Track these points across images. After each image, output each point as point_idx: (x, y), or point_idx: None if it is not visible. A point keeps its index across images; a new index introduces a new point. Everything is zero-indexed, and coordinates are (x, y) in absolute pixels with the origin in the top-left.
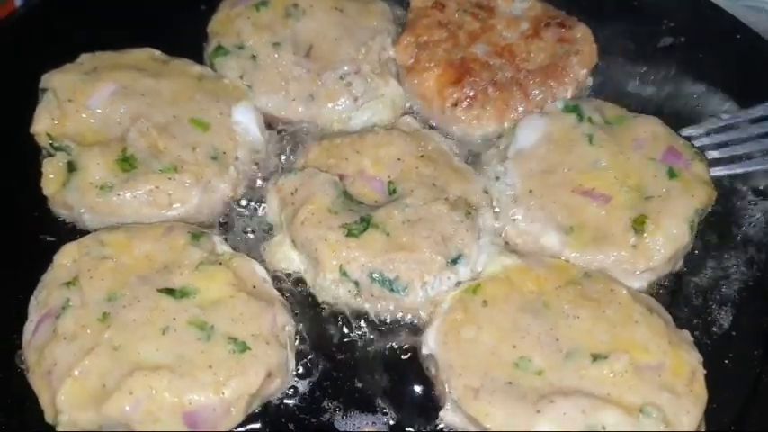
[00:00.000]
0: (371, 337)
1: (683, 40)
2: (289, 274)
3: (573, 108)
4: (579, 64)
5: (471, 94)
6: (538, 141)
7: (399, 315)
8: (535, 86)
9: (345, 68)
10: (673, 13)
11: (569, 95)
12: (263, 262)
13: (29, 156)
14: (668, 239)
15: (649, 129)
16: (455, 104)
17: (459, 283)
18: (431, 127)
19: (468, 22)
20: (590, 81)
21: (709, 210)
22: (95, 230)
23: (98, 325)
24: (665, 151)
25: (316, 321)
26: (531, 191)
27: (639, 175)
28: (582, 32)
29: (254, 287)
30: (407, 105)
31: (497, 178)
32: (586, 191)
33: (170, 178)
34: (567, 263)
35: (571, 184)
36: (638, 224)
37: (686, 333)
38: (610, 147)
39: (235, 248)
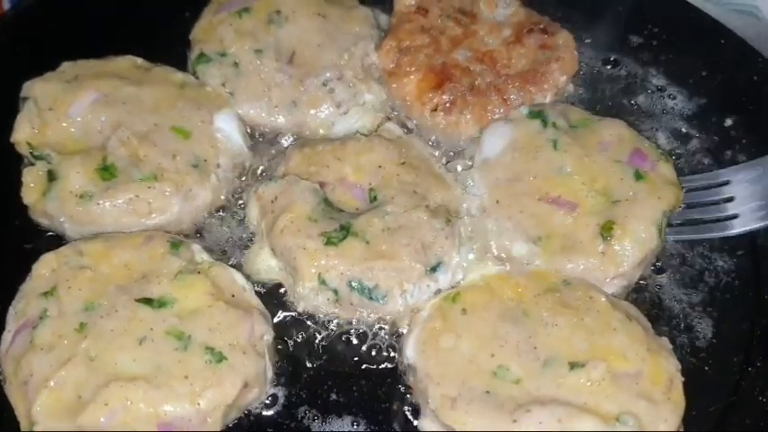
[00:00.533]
0: (350, 345)
1: (667, 45)
2: (267, 281)
3: (537, 114)
4: (560, 70)
5: (450, 99)
6: (503, 149)
7: (379, 324)
8: (514, 91)
9: (328, 74)
10: (657, 17)
11: (548, 101)
12: (242, 269)
13: (9, 165)
14: (636, 244)
15: (615, 131)
16: (434, 109)
17: (438, 290)
18: (410, 130)
19: (451, 28)
20: (571, 88)
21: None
22: (75, 239)
23: (75, 335)
24: (631, 153)
25: (294, 330)
26: (497, 201)
27: (606, 179)
28: (564, 39)
29: (233, 296)
30: (389, 108)
31: (465, 188)
32: (553, 198)
33: (150, 187)
34: (547, 273)
35: (537, 192)
36: (606, 230)
37: (665, 340)
38: (575, 151)
39: (216, 256)
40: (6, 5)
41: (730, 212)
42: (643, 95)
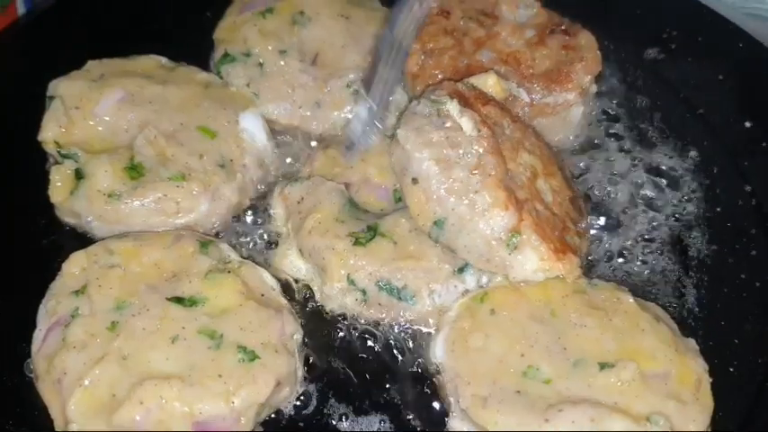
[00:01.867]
0: (379, 345)
1: (684, 48)
2: (296, 281)
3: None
4: (583, 70)
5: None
6: None
7: (407, 323)
8: (538, 91)
9: (352, 76)
10: (674, 21)
11: (572, 99)
12: (270, 269)
13: (36, 163)
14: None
15: None
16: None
17: (466, 291)
18: None
19: (474, 30)
20: (594, 88)
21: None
22: (103, 238)
23: (107, 334)
24: None
25: (323, 329)
26: None
27: None
28: (586, 39)
29: (263, 295)
30: None
31: None
32: None
33: (178, 186)
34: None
35: None
36: None
37: (692, 342)
38: None
39: (243, 256)
40: (21, 10)
41: None
42: (662, 97)
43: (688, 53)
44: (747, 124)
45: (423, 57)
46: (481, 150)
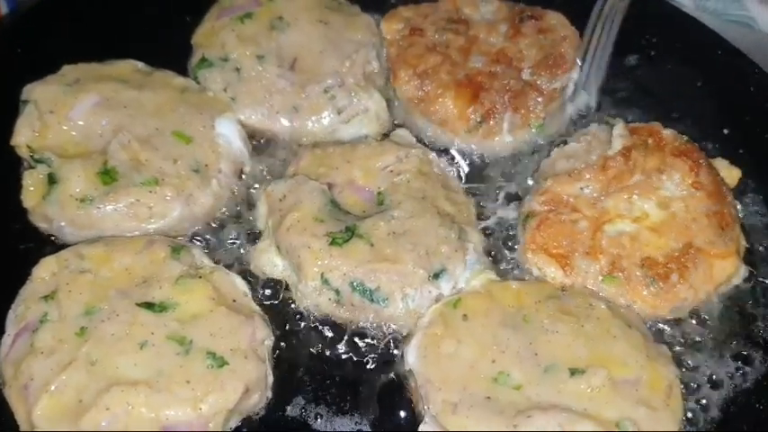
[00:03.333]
0: (352, 349)
1: (663, 54)
2: (270, 283)
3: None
4: (570, 47)
5: (491, 106)
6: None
7: (380, 327)
8: (543, 79)
9: (329, 81)
10: (654, 27)
11: (574, 77)
12: (243, 272)
13: (8, 168)
14: None
15: None
16: (481, 121)
17: (440, 296)
18: (445, 151)
19: (453, 39)
20: (578, 61)
21: None
22: (75, 243)
23: (76, 339)
24: None
25: (295, 333)
26: None
27: None
28: (555, 18)
29: (234, 301)
30: (431, 136)
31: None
32: None
33: (151, 191)
34: (546, 281)
35: None
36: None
37: (664, 347)
38: None
39: (217, 259)
40: (4, 10)
41: None
42: (640, 105)
43: (667, 60)
44: (725, 131)
45: (419, 80)
46: None
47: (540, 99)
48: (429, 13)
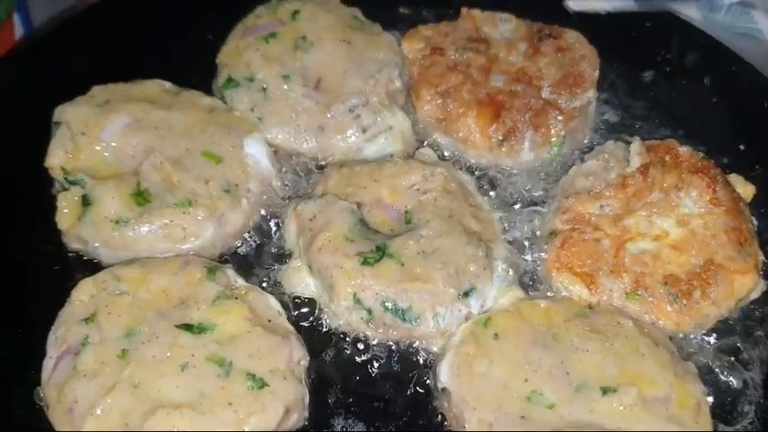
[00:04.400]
0: (384, 367)
1: (678, 71)
2: (301, 302)
3: None
4: (589, 66)
5: (513, 125)
6: None
7: (412, 345)
8: (564, 99)
9: (354, 101)
10: (669, 43)
11: (593, 96)
12: (275, 291)
13: (42, 189)
14: None
15: None
16: (503, 139)
17: (469, 314)
18: (468, 169)
19: (473, 58)
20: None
21: None
22: (110, 264)
23: (118, 362)
24: None
25: (328, 352)
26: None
27: None
28: (574, 37)
29: (270, 321)
30: (451, 153)
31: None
32: None
33: (184, 212)
34: (573, 299)
35: None
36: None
37: (691, 365)
38: None
39: (248, 278)
40: (19, 32)
41: None
42: (657, 121)
43: (682, 76)
44: (741, 147)
45: (440, 100)
46: None
47: (560, 118)
48: (449, 32)
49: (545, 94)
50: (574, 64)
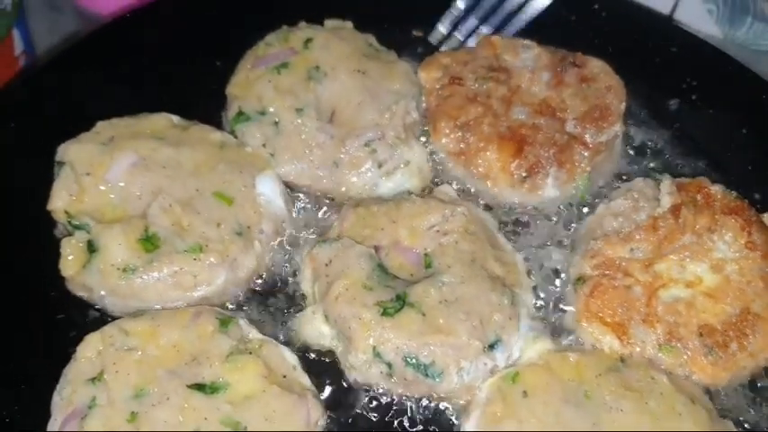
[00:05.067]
0: (406, 422)
1: (705, 99)
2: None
3: None
4: (616, 98)
5: (536, 160)
6: None
7: (434, 401)
8: (589, 133)
9: (370, 134)
10: (694, 69)
11: (619, 130)
12: (288, 341)
13: (44, 230)
14: None
15: None
16: (525, 176)
17: (495, 367)
18: (488, 207)
19: (494, 89)
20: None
21: None
22: (116, 313)
23: (127, 426)
24: None
25: (346, 405)
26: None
27: None
28: (598, 67)
29: (285, 377)
30: (471, 189)
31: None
32: None
33: (195, 258)
34: (604, 352)
35: None
36: None
37: (729, 423)
38: None
39: (259, 326)
40: (18, 48)
41: None
42: (685, 152)
43: (709, 104)
44: None
45: (460, 133)
46: None
47: (585, 153)
48: (468, 60)
49: (569, 127)
50: (599, 96)
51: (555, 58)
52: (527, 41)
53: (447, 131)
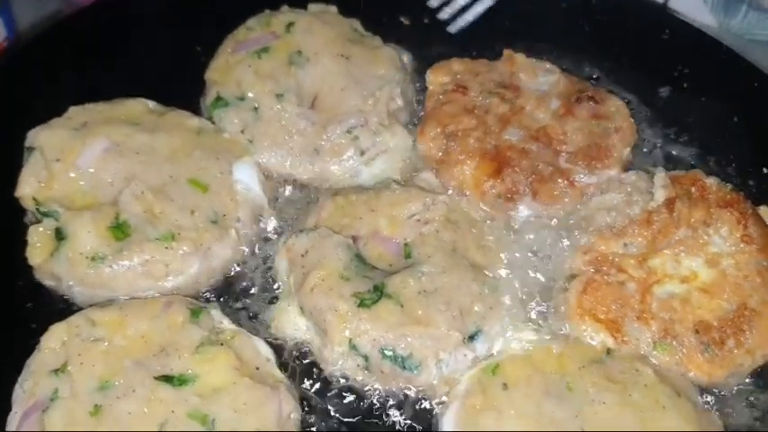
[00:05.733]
0: (383, 415)
1: (696, 88)
2: (295, 344)
3: None
4: (621, 142)
5: (512, 187)
6: None
7: (412, 393)
8: (579, 171)
9: (352, 121)
10: (686, 57)
11: (614, 176)
12: (263, 333)
13: (12, 218)
14: None
15: None
16: (496, 198)
17: (476, 359)
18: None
19: (495, 105)
20: (630, 156)
21: None
22: (85, 302)
23: (89, 420)
24: None
25: (323, 398)
26: None
27: None
28: (616, 106)
29: (257, 369)
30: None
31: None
32: None
33: (167, 247)
34: (588, 343)
35: None
36: None
37: (715, 417)
38: None
39: (234, 317)
40: (2, 35)
41: None
42: (677, 142)
43: (701, 92)
44: (765, 170)
45: (445, 141)
46: None
47: (568, 191)
48: (481, 72)
49: (561, 161)
50: (604, 135)
51: (572, 88)
52: (551, 66)
53: (432, 136)
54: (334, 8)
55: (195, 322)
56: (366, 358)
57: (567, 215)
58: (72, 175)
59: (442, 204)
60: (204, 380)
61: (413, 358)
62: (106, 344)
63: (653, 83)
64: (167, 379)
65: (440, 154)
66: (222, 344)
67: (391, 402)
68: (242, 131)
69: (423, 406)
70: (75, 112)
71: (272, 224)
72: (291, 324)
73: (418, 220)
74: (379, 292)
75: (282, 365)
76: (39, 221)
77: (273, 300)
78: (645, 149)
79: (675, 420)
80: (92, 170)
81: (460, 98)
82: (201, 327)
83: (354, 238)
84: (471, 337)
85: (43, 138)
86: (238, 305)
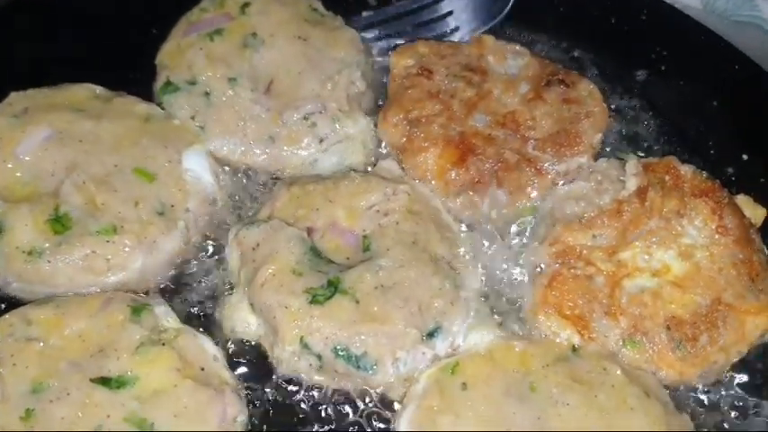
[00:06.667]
0: (337, 417)
1: (675, 71)
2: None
3: None
4: (592, 127)
5: (477, 177)
6: None
7: (368, 393)
8: (547, 158)
9: (309, 107)
10: (664, 39)
11: (585, 163)
12: (212, 330)
13: None
14: None
15: None
16: (460, 189)
17: (435, 357)
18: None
19: (461, 89)
20: (601, 143)
21: None
22: (24, 299)
23: (20, 425)
24: None
25: (273, 400)
26: None
27: None
28: (588, 90)
29: (203, 369)
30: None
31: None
32: None
33: (108, 241)
34: (554, 341)
35: None
36: None
37: (686, 417)
38: None
39: (184, 315)
40: None
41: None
42: (653, 126)
43: (679, 75)
44: (744, 156)
45: (408, 127)
46: None
47: (535, 180)
48: (447, 54)
49: (529, 147)
50: (575, 120)
51: (543, 71)
52: (521, 48)
53: (395, 122)
54: None
55: (136, 321)
56: (319, 357)
57: (533, 205)
58: (10, 165)
59: (403, 194)
60: (144, 382)
61: (368, 357)
62: (41, 344)
63: (629, 66)
64: (104, 381)
65: (403, 141)
66: (164, 343)
67: (348, 402)
68: (192, 118)
69: (381, 405)
70: (15, 98)
71: (225, 215)
72: (242, 321)
73: (378, 210)
74: (333, 287)
75: (234, 365)
76: None
77: (226, 295)
78: (617, 135)
79: (643, 422)
80: (30, 159)
81: (424, 82)
82: (143, 325)
83: (310, 230)
84: (430, 335)
85: None
86: (188, 301)
